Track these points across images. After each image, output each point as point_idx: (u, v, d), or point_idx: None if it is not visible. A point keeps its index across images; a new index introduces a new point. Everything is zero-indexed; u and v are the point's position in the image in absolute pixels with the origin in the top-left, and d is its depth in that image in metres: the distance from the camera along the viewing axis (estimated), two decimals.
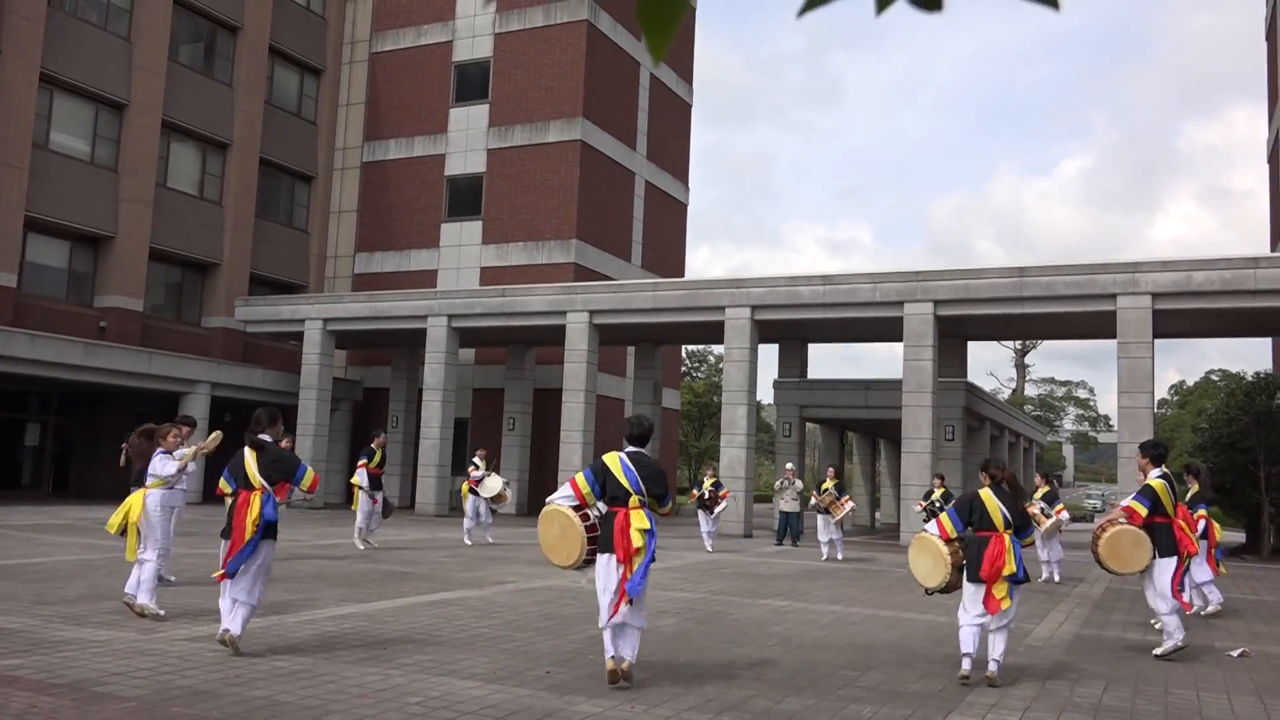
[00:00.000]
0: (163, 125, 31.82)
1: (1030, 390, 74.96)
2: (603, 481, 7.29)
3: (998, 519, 7.83)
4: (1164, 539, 9.07)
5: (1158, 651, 9.08)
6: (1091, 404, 74.81)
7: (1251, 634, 10.87)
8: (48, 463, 31.94)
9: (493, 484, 18.00)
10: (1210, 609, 12.05)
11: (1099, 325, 23.73)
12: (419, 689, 6.67)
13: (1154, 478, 9.11)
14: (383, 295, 30.96)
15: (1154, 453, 9.26)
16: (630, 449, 7.43)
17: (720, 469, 24.64)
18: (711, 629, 9.78)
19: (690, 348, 73.52)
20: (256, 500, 7.84)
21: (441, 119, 35.98)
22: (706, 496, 20.31)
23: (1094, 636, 10.31)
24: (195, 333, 33.08)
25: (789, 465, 23.32)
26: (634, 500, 7.20)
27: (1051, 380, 75.94)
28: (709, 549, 19.85)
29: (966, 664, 7.61)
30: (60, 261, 30.06)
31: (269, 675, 6.90)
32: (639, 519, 7.16)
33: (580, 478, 7.34)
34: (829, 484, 19.60)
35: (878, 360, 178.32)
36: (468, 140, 35.32)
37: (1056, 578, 16.11)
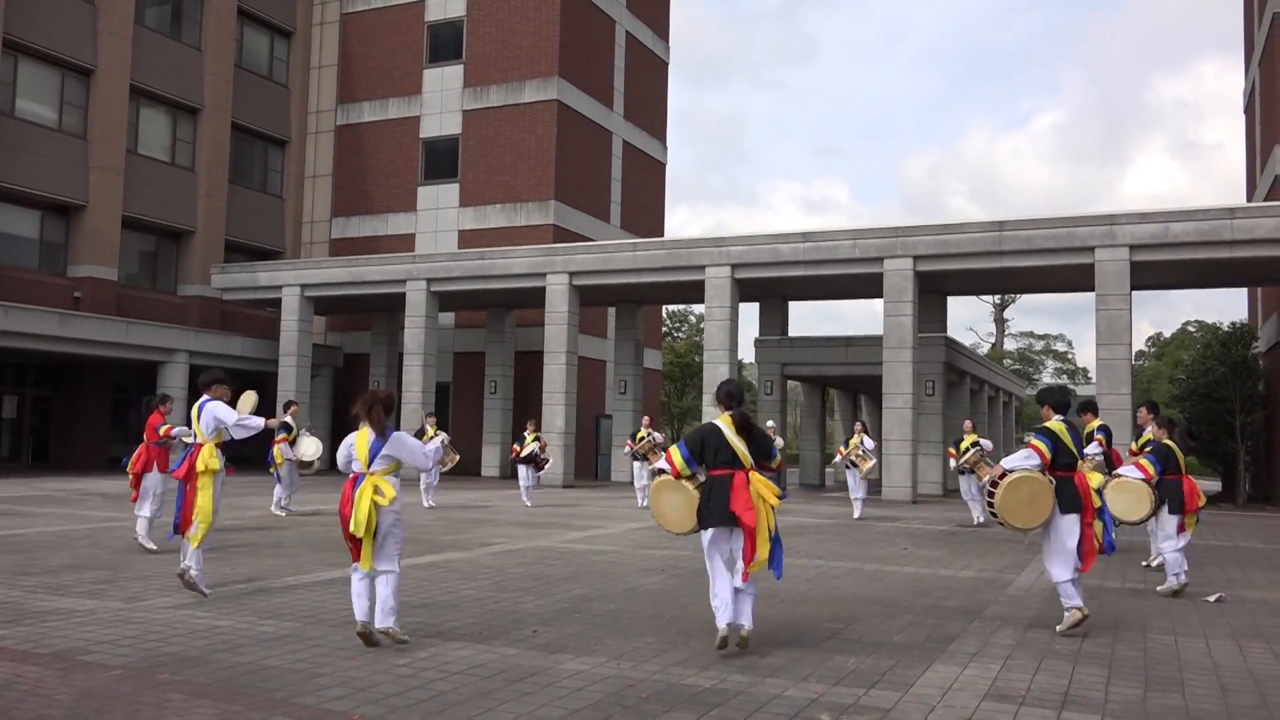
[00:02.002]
0: (131, 91, 31.33)
1: (1009, 344, 75.37)
2: (701, 449, 7.04)
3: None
4: (1172, 493, 9.91)
5: (1161, 589, 9.67)
6: (1070, 356, 75.26)
7: (1227, 580, 11.04)
8: (27, 435, 31.71)
9: (307, 447, 15.96)
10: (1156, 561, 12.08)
11: (1078, 278, 23.84)
12: (406, 650, 6.69)
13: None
14: (360, 260, 30.74)
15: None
16: (733, 411, 7.14)
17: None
18: (697, 585, 9.84)
19: (671, 308, 73.51)
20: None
21: (415, 80, 35.56)
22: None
23: None
24: (171, 301, 32.79)
25: (769, 423, 23.41)
26: (747, 464, 6.98)
27: (1030, 334, 76.35)
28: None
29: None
30: (32, 232, 29.66)
31: (255, 641, 6.90)
32: (760, 484, 6.95)
33: (675, 452, 7.13)
34: (856, 439, 19.10)
35: (857, 318, 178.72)
36: (442, 102, 34.93)
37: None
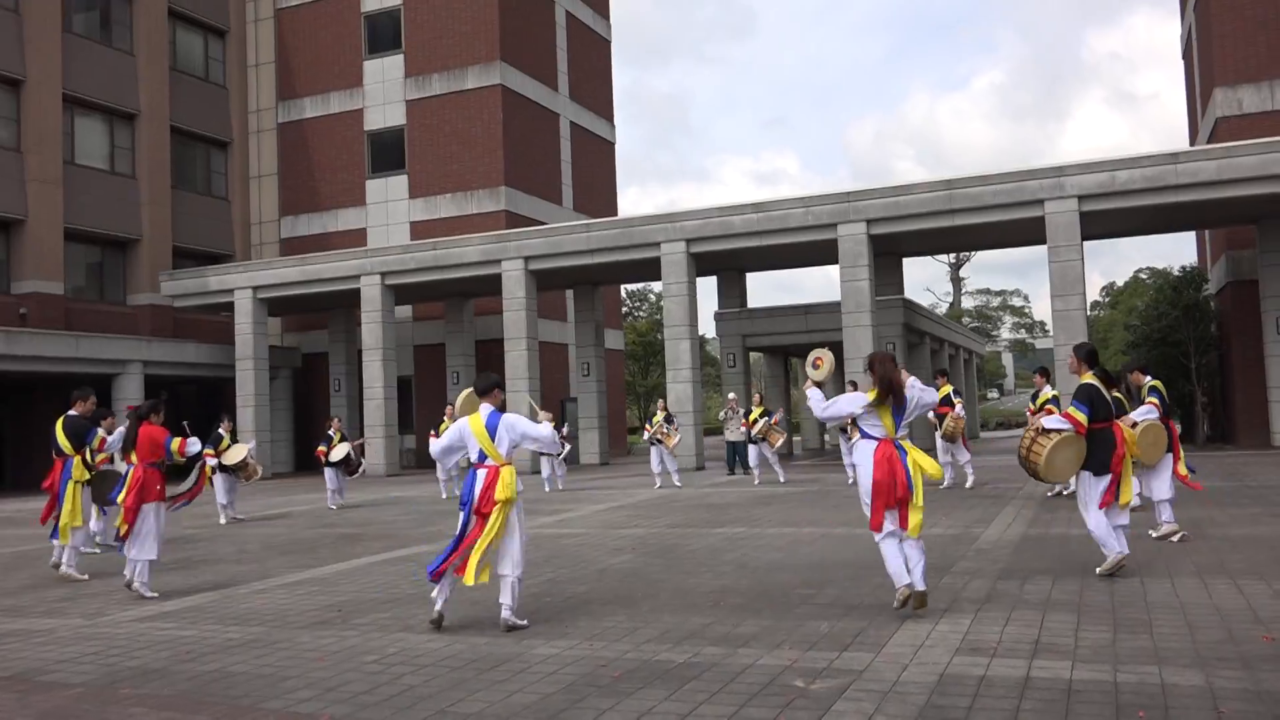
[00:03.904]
0: (64, 99, 30.60)
1: (967, 303, 76.11)
2: (1096, 404, 7.89)
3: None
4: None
5: (1154, 534, 9.83)
6: (1027, 311, 76.11)
7: (1190, 520, 11.17)
8: None
9: (236, 453, 15.88)
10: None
11: (1029, 231, 24.01)
12: (375, 647, 6.60)
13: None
14: (312, 258, 30.34)
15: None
16: (1095, 369, 8.11)
17: (669, 404, 24.68)
18: (667, 561, 9.82)
19: (630, 287, 73.36)
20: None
21: (356, 73, 35.05)
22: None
23: (1040, 535, 10.53)
24: (122, 312, 32.19)
25: (731, 395, 23.44)
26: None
27: (987, 291, 77.11)
28: (676, 484, 19.62)
29: None
30: None
31: (221, 648, 6.78)
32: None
33: (1075, 410, 7.84)
34: (756, 412, 19.26)
35: (813, 287, 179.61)
36: (384, 93, 34.48)
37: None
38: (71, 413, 10.41)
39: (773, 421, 18.87)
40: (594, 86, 39.49)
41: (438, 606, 6.99)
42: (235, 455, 15.80)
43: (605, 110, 40.35)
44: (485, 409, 7.20)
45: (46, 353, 26.63)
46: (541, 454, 19.24)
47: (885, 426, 6.92)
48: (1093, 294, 78.41)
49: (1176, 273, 29.65)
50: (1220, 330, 28.12)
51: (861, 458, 6.95)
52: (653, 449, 19.68)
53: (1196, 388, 27.72)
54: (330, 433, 18.49)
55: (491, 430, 7.06)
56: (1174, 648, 5.71)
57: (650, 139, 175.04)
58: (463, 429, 7.18)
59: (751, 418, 19.12)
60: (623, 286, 66.96)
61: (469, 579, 6.86)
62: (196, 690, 5.73)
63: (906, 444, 7.00)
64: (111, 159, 32.48)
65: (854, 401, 7.05)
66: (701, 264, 26.91)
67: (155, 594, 8.90)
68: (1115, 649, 5.73)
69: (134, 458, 9.16)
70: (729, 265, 29.02)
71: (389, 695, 5.44)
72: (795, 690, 5.18)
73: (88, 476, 10.52)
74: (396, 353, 31.37)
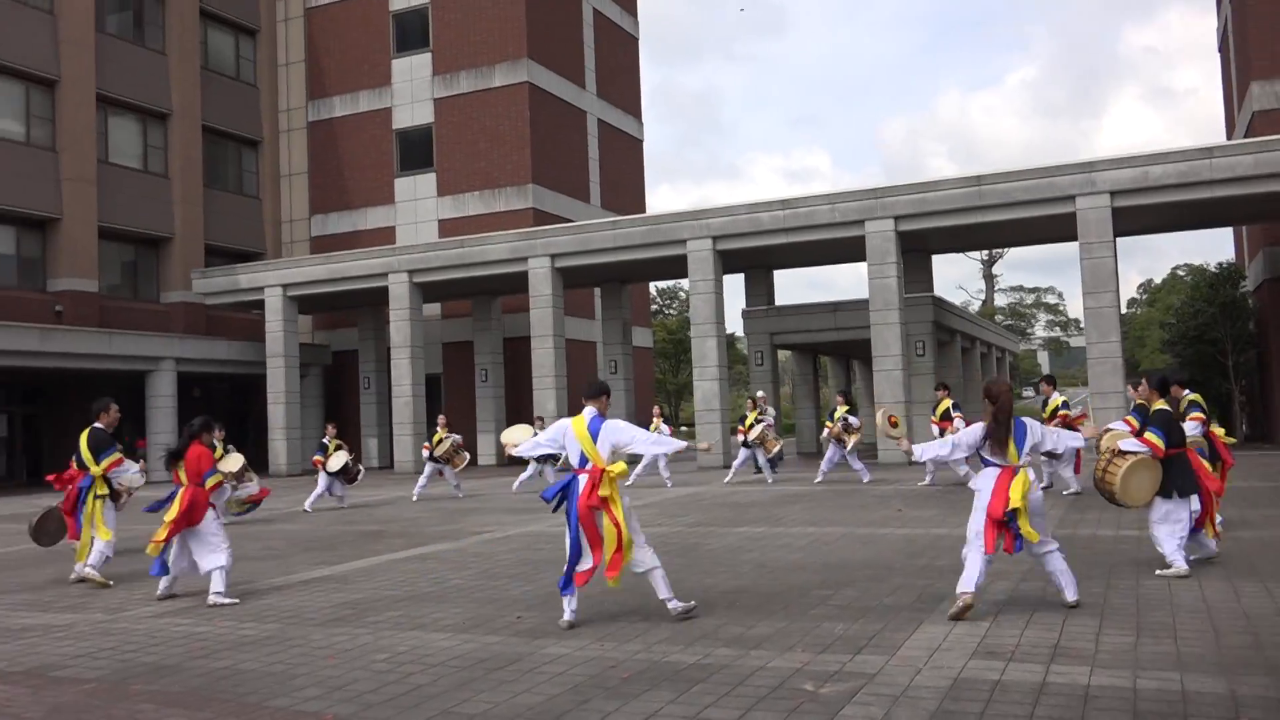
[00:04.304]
0: (98, 99, 30.96)
1: (1000, 300, 75.27)
2: (1171, 430, 8.02)
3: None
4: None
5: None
6: (1061, 309, 75.16)
7: (1223, 519, 10.92)
8: (19, 453, 31.54)
9: (232, 463, 15.01)
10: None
11: (1060, 228, 23.68)
12: (387, 645, 6.58)
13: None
14: (341, 256, 30.51)
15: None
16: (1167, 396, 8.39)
17: (695, 402, 24.64)
18: (686, 561, 9.74)
19: (660, 285, 73.26)
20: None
21: (384, 71, 35.21)
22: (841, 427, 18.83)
23: (1067, 536, 10.34)
24: (155, 309, 32.54)
25: (759, 393, 23.29)
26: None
27: (1020, 288, 76.24)
28: (865, 478, 18.53)
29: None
30: (7, 248, 29.37)
31: (234, 645, 6.79)
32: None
33: (1154, 435, 7.93)
34: (840, 411, 18.99)
35: (846, 284, 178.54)
36: (413, 91, 34.61)
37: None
38: (97, 425, 10.15)
39: (766, 426, 18.97)
40: (622, 83, 39.44)
41: (568, 615, 6.91)
42: (231, 465, 14.83)
43: (633, 107, 40.28)
44: (589, 412, 7.16)
45: (80, 350, 26.96)
46: (759, 439, 18.80)
47: (1009, 455, 6.90)
48: (1130, 291, 77.35)
49: (1213, 269, 29.13)
50: (1258, 327, 27.62)
51: (984, 484, 6.95)
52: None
53: (1234, 386, 27.25)
54: (325, 440, 17.66)
55: (594, 434, 7.03)
56: (1197, 653, 5.56)
57: (681, 137, 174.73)
58: (565, 431, 7.16)
59: (748, 423, 19.11)
60: (653, 284, 66.94)
61: (616, 582, 6.95)
62: (206, 687, 5.73)
63: (1026, 474, 6.88)
64: (144, 158, 32.83)
65: (973, 435, 7.06)
66: (728, 261, 26.79)
67: (236, 599, 8.44)
68: (1137, 654, 5.59)
69: (182, 476, 8.74)
70: (756, 263, 28.87)
71: (395, 695, 5.41)
72: (804, 694, 5.10)
73: (106, 491, 10.12)
74: (425, 350, 31.50)
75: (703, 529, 12.35)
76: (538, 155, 33.09)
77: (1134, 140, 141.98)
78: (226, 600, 8.38)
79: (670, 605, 6.99)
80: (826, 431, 18.99)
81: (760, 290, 30.00)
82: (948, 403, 16.79)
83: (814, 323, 28.93)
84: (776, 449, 18.98)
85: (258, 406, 33.05)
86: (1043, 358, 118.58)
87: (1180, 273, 60.88)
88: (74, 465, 10.32)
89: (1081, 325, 26.97)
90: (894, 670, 5.46)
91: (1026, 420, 7.05)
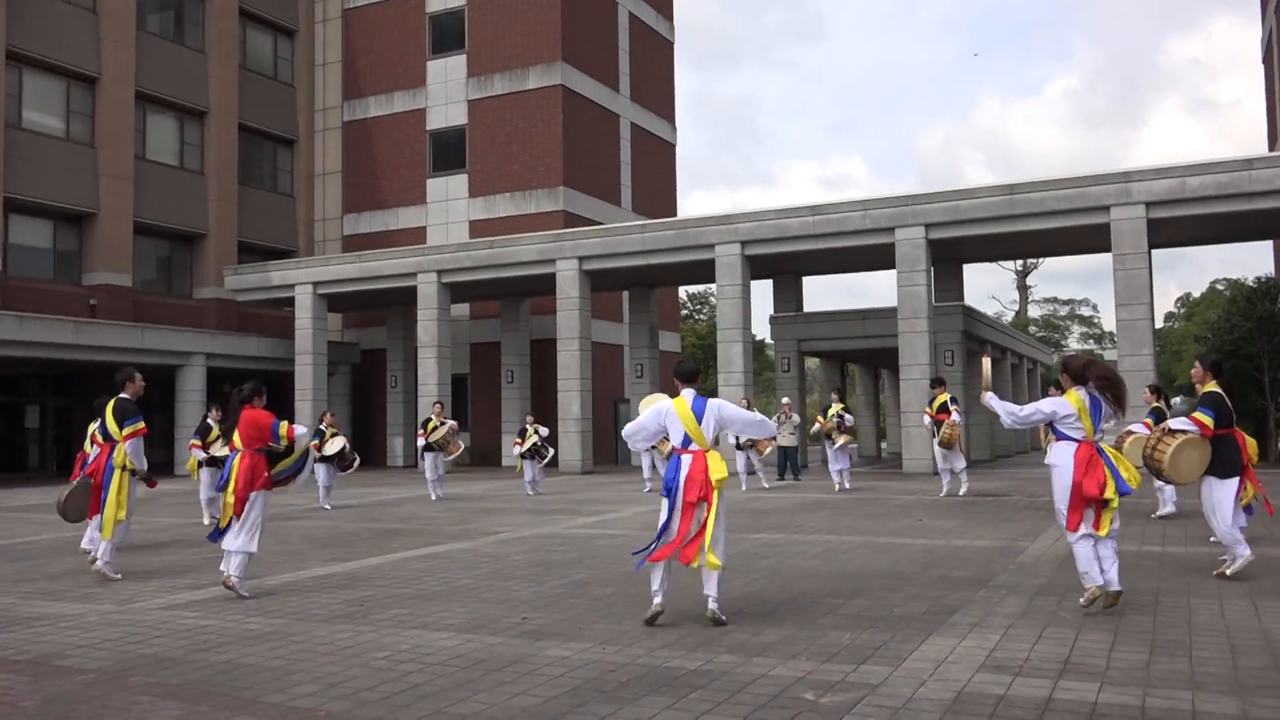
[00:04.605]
0: (137, 97, 31.37)
1: (1034, 311, 74.41)
2: (1221, 411, 8.28)
3: None
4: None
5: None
6: (1096, 321, 74.15)
7: (1250, 537, 10.68)
8: (50, 444, 31.97)
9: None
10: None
11: (1094, 239, 23.37)
12: (389, 643, 6.55)
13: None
14: (371, 255, 30.67)
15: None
16: (1219, 379, 8.59)
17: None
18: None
19: (692, 290, 73.10)
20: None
21: (419, 72, 35.40)
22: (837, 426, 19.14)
23: None
24: (188, 305, 32.89)
25: (785, 400, 23.14)
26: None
27: (1054, 300, 75.32)
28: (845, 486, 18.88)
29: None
30: (45, 241, 29.80)
31: (238, 639, 6.78)
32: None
33: (1202, 414, 8.22)
34: (835, 408, 19.24)
35: (880, 292, 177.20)
36: (447, 93, 34.77)
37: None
38: (123, 395, 9.92)
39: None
40: (656, 88, 39.41)
41: (658, 601, 6.88)
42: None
43: (667, 112, 40.23)
44: (689, 394, 7.09)
45: (113, 343, 27.28)
46: (750, 442, 18.92)
47: (1085, 429, 7.05)
48: (1168, 305, 76.29)
49: (1251, 284, 28.60)
50: None
51: (1061, 459, 7.05)
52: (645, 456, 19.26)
53: (1270, 403, 26.71)
54: (322, 427, 17.33)
55: (698, 414, 6.97)
56: (1213, 673, 5.40)
57: (717, 143, 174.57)
58: (665, 412, 7.07)
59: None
60: (684, 289, 66.78)
61: (696, 561, 6.81)
62: (205, 680, 5.72)
63: (1106, 446, 7.16)
64: (181, 155, 33.20)
65: (1057, 405, 7.16)
66: (757, 267, 26.66)
67: (249, 595, 8.30)
68: (1149, 671, 5.44)
69: (238, 443, 8.62)
70: (785, 268, 28.70)
71: (391, 693, 5.36)
72: (804, 703, 5.00)
73: (129, 464, 9.86)
74: (452, 350, 31.62)
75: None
76: (569, 158, 33.13)
77: (1176, 152, 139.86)
78: (243, 592, 8.23)
79: (711, 605, 6.90)
80: (818, 426, 19.07)
81: (789, 296, 29.83)
82: (944, 397, 16.96)
83: (842, 330, 28.72)
84: (768, 450, 19.39)
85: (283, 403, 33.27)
86: None
87: (1219, 287, 59.96)
88: (97, 439, 10.08)
89: (1115, 338, 26.57)
90: (897, 682, 5.34)
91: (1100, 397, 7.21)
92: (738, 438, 19.01)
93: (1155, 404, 13.83)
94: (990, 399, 7.47)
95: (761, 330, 44.96)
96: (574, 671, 5.72)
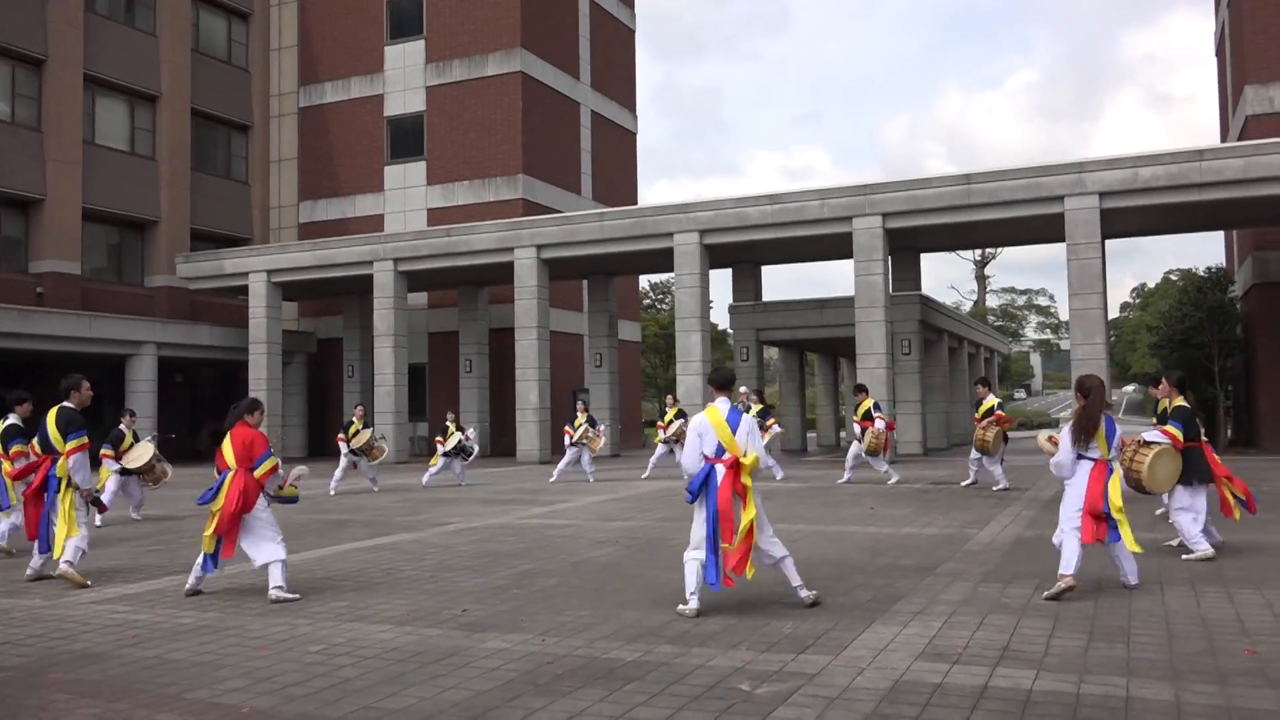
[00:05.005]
0: (85, 80, 30.70)
1: (992, 301, 75.17)
2: (1189, 425, 8.86)
3: None
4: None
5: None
6: (1053, 311, 75.07)
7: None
8: None
9: (141, 453, 14.17)
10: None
11: (1049, 228, 23.53)
12: (324, 636, 6.41)
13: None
14: (326, 243, 30.28)
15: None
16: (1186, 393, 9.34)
17: (678, 396, 24.50)
18: (647, 556, 9.58)
19: (654, 279, 73.07)
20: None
21: (377, 58, 34.96)
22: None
23: (1036, 538, 10.19)
24: (139, 293, 32.31)
25: (743, 389, 23.09)
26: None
27: (1012, 290, 76.07)
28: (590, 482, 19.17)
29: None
30: None
31: (169, 633, 6.60)
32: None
33: (1174, 428, 8.78)
34: (754, 409, 19.26)
35: (843, 283, 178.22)
36: (405, 79, 34.37)
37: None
38: (67, 404, 9.00)
39: (685, 423, 18.97)
40: (617, 76, 39.20)
41: (694, 605, 6.78)
42: (139, 457, 13.84)
43: (628, 100, 40.05)
44: (723, 404, 7.05)
45: (59, 332, 26.72)
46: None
47: (1101, 449, 7.39)
48: (1124, 295, 77.33)
49: (1202, 274, 29.01)
50: (1246, 333, 27.50)
51: (1079, 477, 7.40)
52: (571, 449, 19.22)
53: (1220, 391, 27.13)
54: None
55: (733, 425, 6.95)
56: (1149, 659, 5.40)
57: (682, 133, 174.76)
58: (700, 423, 7.01)
59: (667, 419, 19.31)
60: (647, 278, 66.68)
61: (750, 573, 6.77)
62: (128, 677, 5.55)
63: (1117, 468, 7.59)
64: (132, 140, 32.57)
65: (1068, 435, 7.55)
66: (716, 256, 26.61)
67: (297, 594, 7.78)
68: (1086, 658, 5.43)
69: (229, 459, 8.02)
70: (744, 257, 28.69)
71: (320, 688, 5.23)
72: (739, 694, 4.93)
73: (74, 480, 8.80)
74: (410, 340, 31.32)
75: (671, 524, 12.17)
76: (529, 146, 32.88)
77: (1133, 145, 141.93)
78: (289, 595, 7.68)
79: (802, 594, 6.95)
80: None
81: (748, 285, 29.82)
82: (868, 403, 17.28)
83: (800, 319, 28.77)
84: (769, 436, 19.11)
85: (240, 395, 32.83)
86: (1036, 360, 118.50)
87: (1173, 277, 60.85)
88: (35, 450, 9.08)
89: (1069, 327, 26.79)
90: (835, 671, 5.29)
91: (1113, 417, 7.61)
92: (664, 432, 19.25)
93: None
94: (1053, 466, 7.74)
95: (722, 319, 44.98)
96: (510, 664, 5.62)
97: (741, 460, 6.87)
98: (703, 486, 6.89)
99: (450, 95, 33.70)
